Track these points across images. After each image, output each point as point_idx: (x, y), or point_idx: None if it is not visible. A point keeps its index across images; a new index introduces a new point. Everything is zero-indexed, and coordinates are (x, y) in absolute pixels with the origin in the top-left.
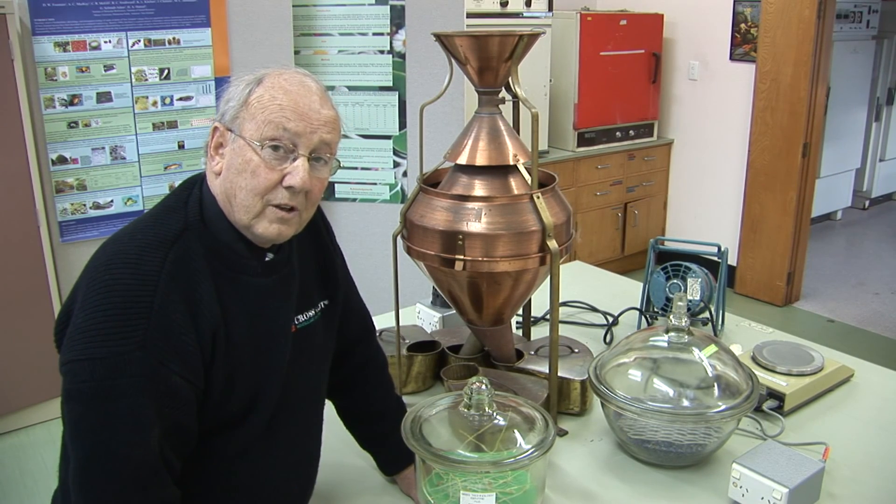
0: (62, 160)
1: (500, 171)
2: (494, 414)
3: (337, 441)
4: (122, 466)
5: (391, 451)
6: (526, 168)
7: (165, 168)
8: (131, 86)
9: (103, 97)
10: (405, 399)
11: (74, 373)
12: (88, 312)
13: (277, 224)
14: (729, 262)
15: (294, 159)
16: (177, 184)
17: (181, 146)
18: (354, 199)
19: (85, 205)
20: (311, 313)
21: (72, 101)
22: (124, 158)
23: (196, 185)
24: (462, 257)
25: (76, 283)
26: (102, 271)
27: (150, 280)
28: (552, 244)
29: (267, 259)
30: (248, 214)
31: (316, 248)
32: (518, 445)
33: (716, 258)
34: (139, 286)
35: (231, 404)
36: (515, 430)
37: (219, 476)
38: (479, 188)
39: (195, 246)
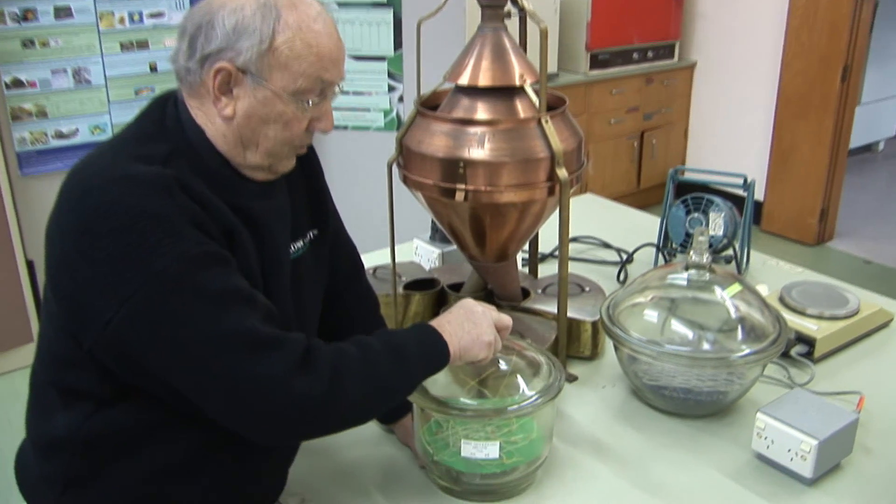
0: (17, 83)
1: (504, 93)
2: (498, 358)
3: None
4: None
5: None
6: (533, 89)
7: (137, 93)
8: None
9: (62, 12)
10: None
11: (144, 304)
12: (106, 245)
13: (293, 159)
14: (755, 197)
15: (321, 102)
16: None
17: (153, 68)
18: (346, 127)
19: (46, 134)
20: (301, 244)
21: (25, 17)
22: (89, 82)
23: (169, 104)
24: (463, 187)
25: (49, 246)
26: (95, 197)
27: (158, 188)
28: (561, 173)
29: (257, 185)
30: (271, 159)
31: (304, 174)
32: (523, 391)
33: (741, 191)
34: (150, 196)
35: None
36: (521, 375)
37: (210, 425)
38: (481, 111)
39: (186, 169)
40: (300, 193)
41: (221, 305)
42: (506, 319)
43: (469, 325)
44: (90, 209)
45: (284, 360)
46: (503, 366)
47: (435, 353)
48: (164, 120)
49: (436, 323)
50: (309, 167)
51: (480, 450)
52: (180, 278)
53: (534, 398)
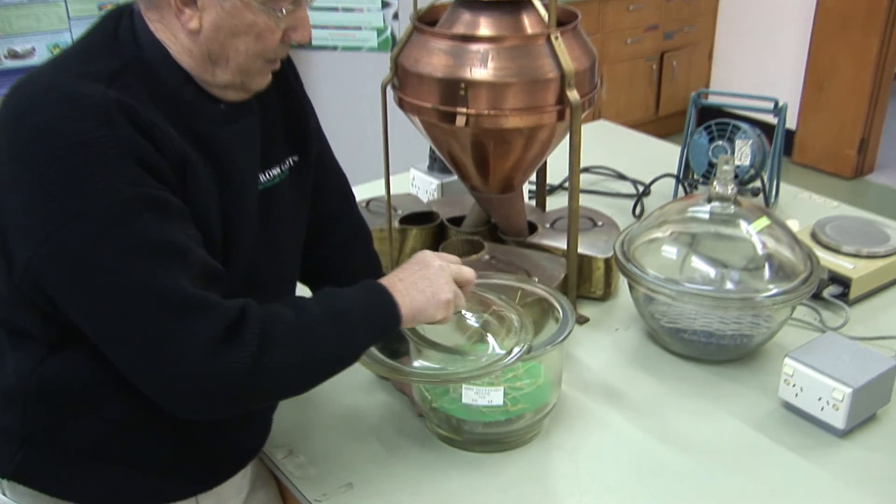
0: None
1: (510, 7)
2: (464, 314)
3: None
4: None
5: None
6: (542, 3)
7: (100, 8)
8: None
9: None
10: None
11: (64, 244)
12: (34, 173)
13: (268, 75)
14: (787, 126)
15: (295, 10)
16: None
17: None
18: (335, 48)
19: None
20: (276, 172)
21: None
22: None
23: (124, 17)
24: (464, 110)
25: None
26: (30, 119)
27: (97, 113)
28: (572, 95)
29: (223, 106)
30: (243, 75)
31: (282, 94)
32: (493, 349)
33: (771, 117)
34: (87, 122)
35: None
36: (491, 333)
37: None
38: (484, 27)
39: (138, 89)
40: (276, 115)
41: (147, 258)
42: (467, 273)
43: (424, 282)
44: (24, 132)
45: (209, 327)
46: (472, 322)
47: (383, 317)
48: (117, 33)
49: (387, 281)
50: (286, 84)
51: (483, 396)
52: (105, 221)
53: (513, 356)
